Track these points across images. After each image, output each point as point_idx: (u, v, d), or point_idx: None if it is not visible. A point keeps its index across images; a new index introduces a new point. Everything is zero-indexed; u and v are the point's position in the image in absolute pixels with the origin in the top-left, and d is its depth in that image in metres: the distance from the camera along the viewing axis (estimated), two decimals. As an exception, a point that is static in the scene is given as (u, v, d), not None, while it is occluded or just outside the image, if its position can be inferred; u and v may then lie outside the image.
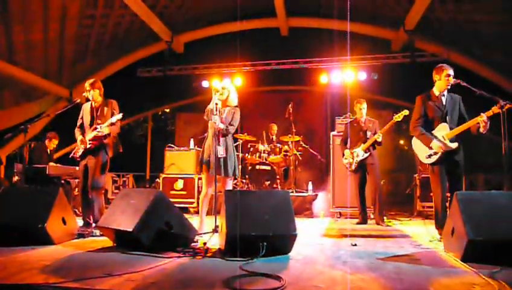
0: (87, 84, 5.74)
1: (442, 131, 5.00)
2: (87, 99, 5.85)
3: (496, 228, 3.57)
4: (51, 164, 7.95)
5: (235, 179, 6.34)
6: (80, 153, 5.68)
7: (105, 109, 5.72)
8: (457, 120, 5.02)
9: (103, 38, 11.04)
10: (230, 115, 5.50)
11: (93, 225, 5.56)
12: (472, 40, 9.88)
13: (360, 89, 11.28)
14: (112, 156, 5.79)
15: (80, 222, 5.60)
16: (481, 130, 4.74)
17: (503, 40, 9.30)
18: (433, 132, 5.07)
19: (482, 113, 4.68)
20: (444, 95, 5.09)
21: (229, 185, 5.53)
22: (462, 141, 4.99)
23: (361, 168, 7.04)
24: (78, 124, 5.86)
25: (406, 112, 6.59)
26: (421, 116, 5.20)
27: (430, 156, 5.05)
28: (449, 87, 5.02)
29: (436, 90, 5.13)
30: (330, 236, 5.50)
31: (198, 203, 8.99)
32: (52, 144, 8.39)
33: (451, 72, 5.01)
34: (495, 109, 4.61)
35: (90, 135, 5.59)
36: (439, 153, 4.96)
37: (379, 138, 6.87)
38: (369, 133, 7.02)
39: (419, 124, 5.20)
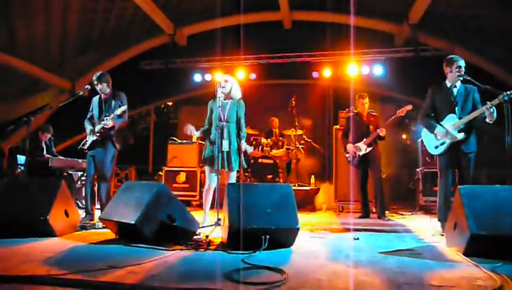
0: (94, 78, 5.78)
1: (451, 121, 5.00)
2: (91, 92, 5.89)
3: (498, 222, 3.55)
4: (50, 155, 7.96)
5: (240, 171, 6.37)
6: (88, 145, 5.72)
7: (113, 102, 5.76)
8: (470, 111, 4.98)
9: (105, 31, 11.02)
10: (235, 109, 5.54)
11: (91, 215, 5.64)
12: (475, 34, 9.83)
13: (363, 83, 11.25)
14: (120, 148, 5.83)
15: (82, 214, 5.63)
16: (487, 119, 4.73)
17: (506, 35, 9.26)
18: (442, 122, 5.08)
19: (488, 102, 4.67)
20: (455, 86, 5.09)
21: (233, 179, 5.55)
22: (473, 132, 4.98)
23: (364, 162, 7.02)
24: (88, 116, 5.92)
25: (409, 107, 6.57)
26: (430, 106, 5.26)
27: (437, 147, 5.08)
28: (461, 78, 5.01)
29: (448, 82, 5.15)
30: (332, 230, 5.50)
31: (200, 196, 9.05)
32: (44, 136, 8.38)
33: (462, 63, 5.04)
34: (501, 98, 4.59)
35: (97, 127, 5.63)
36: (447, 144, 4.97)
37: (383, 132, 6.85)
38: (371, 128, 7.01)
39: (427, 113, 5.29)
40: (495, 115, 4.68)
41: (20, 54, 9.82)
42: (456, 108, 5.02)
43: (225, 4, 10.99)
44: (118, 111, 5.56)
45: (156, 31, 11.40)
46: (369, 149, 6.92)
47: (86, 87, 5.94)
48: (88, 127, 5.82)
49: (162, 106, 17.27)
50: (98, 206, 5.84)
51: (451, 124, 4.98)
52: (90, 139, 5.72)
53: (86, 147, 5.77)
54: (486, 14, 9.07)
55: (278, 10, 10.69)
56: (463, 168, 5.00)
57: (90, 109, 5.95)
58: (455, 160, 5.03)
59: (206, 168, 5.56)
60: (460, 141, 4.94)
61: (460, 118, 4.95)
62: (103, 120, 5.60)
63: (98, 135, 5.65)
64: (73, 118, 5.90)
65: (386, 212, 7.10)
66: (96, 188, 5.88)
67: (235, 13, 10.97)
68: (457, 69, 5.00)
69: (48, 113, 10.60)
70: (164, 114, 17.73)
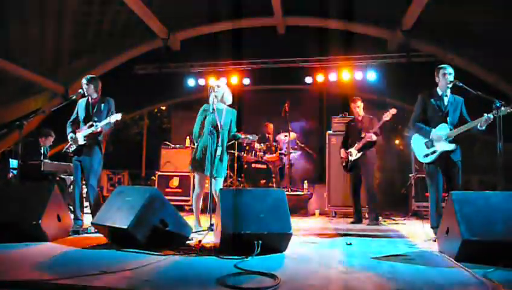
0: (84, 80, 5.73)
1: (442, 131, 5.02)
2: (83, 97, 5.84)
3: (490, 228, 3.57)
4: (46, 161, 7.92)
5: (230, 177, 6.39)
6: (73, 149, 5.66)
7: (102, 105, 5.71)
8: (458, 122, 5.03)
9: (99, 35, 11.00)
10: (229, 118, 5.59)
11: (81, 221, 5.58)
12: (469, 41, 9.89)
13: (356, 88, 11.27)
14: (104, 153, 5.78)
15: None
16: (479, 125, 4.76)
17: (498, 41, 9.32)
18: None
19: (485, 114, 4.70)
20: (446, 95, 5.12)
21: (220, 185, 5.55)
22: (459, 141, 5.01)
23: (356, 167, 7.04)
24: (72, 118, 5.84)
25: (393, 111, 6.59)
26: (420, 113, 5.26)
27: (427, 155, 5.09)
28: (449, 86, 5.03)
29: (439, 90, 5.17)
30: (325, 235, 5.51)
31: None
32: (48, 141, 8.33)
33: (448, 70, 5.05)
34: (495, 113, 4.60)
35: (85, 131, 5.57)
36: (437, 153, 5.00)
37: (371, 138, 6.86)
38: (363, 133, 7.00)
39: (417, 121, 5.27)
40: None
41: (14, 58, 9.77)
42: (448, 118, 5.05)
43: (219, 9, 11.00)
44: (113, 119, 5.50)
45: (150, 36, 11.39)
46: (359, 154, 6.93)
47: (79, 91, 5.87)
48: (69, 132, 5.71)
49: (155, 111, 17.23)
50: (88, 210, 5.80)
51: (443, 133, 5.00)
52: (74, 145, 5.66)
53: (71, 150, 5.71)
54: (479, 20, 9.12)
55: (272, 15, 10.72)
56: (452, 176, 5.03)
57: (75, 111, 5.85)
58: (444, 167, 5.05)
59: (196, 174, 5.58)
60: (449, 150, 4.97)
61: (451, 129, 4.98)
62: (93, 125, 5.55)
63: (85, 139, 5.60)
64: (66, 122, 5.84)
65: (380, 217, 7.12)
66: (83, 193, 5.84)
67: (229, 18, 10.99)
68: (444, 76, 5.04)
69: (40, 118, 10.54)
70: (157, 118, 17.68)
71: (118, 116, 5.53)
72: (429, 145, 5.09)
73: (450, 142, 4.96)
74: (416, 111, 5.33)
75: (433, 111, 5.16)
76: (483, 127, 4.77)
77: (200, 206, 5.62)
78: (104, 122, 5.52)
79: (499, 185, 4.62)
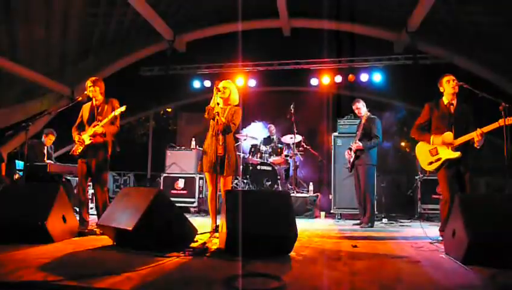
0: (88, 82, 5.75)
1: (448, 139, 4.99)
2: (89, 98, 5.86)
3: (497, 230, 3.55)
4: (50, 161, 7.96)
5: (235, 178, 6.35)
6: (79, 151, 5.67)
7: (106, 107, 5.73)
8: (464, 132, 4.99)
9: (105, 36, 11.05)
10: (231, 114, 5.53)
11: (86, 222, 5.58)
12: (475, 42, 9.84)
13: (362, 90, 11.27)
14: (110, 154, 5.79)
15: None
16: (475, 145, 4.76)
17: (506, 42, 9.27)
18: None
19: (478, 129, 4.69)
20: (452, 104, 5.11)
21: (229, 185, 5.52)
22: (470, 148, 4.98)
23: (354, 169, 7.08)
24: (77, 123, 5.85)
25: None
26: (424, 123, 5.24)
27: (431, 163, 5.07)
28: (456, 89, 5.01)
29: (445, 99, 5.16)
30: (330, 237, 5.49)
31: (199, 203, 9.07)
32: (48, 140, 8.37)
33: (450, 77, 5.08)
34: (494, 125, 4.61)
35: (90, 131, 5.59)
36: (441, 161, 4.98)
37: (354, 146, 6.97)
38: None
39: (421, 127, 5.25)
40: (482, 142, 4.71)
41: (20, 59, 9.82)
42: (453, 126, 5.03)
43: (224, 11, 11.02)
44: (117, 112, 5.53)
45: (156, 38, 11.42)
46: (353, 156, 7.00)
47: (85, 93, 5.91)
48: (75, 134, 5.72)
49: (161, 112, 17.29)
50: (94, 212, 5.81)
51: (445, 137, 4.99)
52: (80, 146, 5.66)
53: (77, 152, 5.71)
54: (486, 21, 9.07)
55: (277, 17, 10.72)
56: (464, 183, 5.00)
57: (80, 116, 5.86)
58: (456, 174, 5.01)
59: (206, 175, 5.56)
60: (456, 158, 4.94)
61: (456, 137, 4.96)
62: (97, 124, 5.57)
63: (91, 139, 5.61)
64: (72, 123, 5.86)
65: (385, 220, 7.09)
66: (88, 195, 5.84)
67: (234, 20, 10.99)
68: (448, 83, 5.05)
69: (46, 119, 10.58)
70: (163, 120, 17.75)
71: (121, 109, 5.57)
72: (434, 152, 5.07)
73: (456, 150, 4.94)
74: (421, 119, 5.32)
75: (440, 120, 5.14)
76: (479, 147, 4.77)
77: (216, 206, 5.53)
78: (107, 119, 5.53)
79: (506, 187, 4.60)
